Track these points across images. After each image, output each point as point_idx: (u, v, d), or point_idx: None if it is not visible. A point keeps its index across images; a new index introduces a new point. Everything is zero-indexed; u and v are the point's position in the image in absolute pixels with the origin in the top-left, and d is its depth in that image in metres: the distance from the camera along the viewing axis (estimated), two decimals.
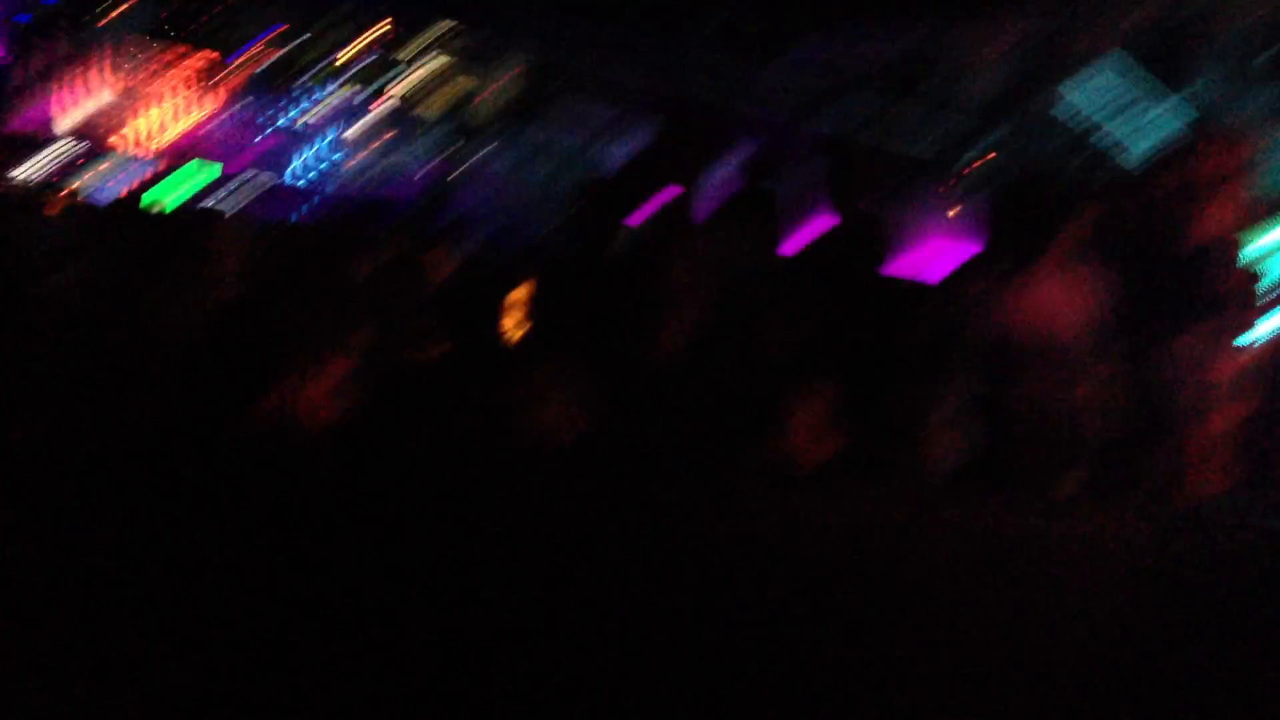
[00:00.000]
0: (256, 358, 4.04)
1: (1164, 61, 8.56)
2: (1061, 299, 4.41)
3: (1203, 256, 4.59)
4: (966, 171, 12.35)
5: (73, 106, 11.73)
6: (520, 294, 4.81)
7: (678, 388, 4.34)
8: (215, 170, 11.86)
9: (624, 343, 4.44)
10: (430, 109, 13.43)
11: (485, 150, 13.63)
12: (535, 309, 4.78)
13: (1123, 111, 10.39)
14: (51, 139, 11.12)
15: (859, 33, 9.91)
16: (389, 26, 13.23)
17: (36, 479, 3.72)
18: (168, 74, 12.32)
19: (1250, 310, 4.94)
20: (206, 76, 12.51)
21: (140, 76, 12.19)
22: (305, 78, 12.92)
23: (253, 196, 11.42)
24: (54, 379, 4.14)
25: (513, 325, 4.76)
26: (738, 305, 4.48)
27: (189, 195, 11.05)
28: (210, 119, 12.50)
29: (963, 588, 3.56)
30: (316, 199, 11.82)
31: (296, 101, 12.91)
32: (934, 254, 5.29)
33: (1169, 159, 5.09)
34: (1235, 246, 4.69)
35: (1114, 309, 4.44)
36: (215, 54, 12.48)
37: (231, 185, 11.46)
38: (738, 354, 4.43)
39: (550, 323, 4.72)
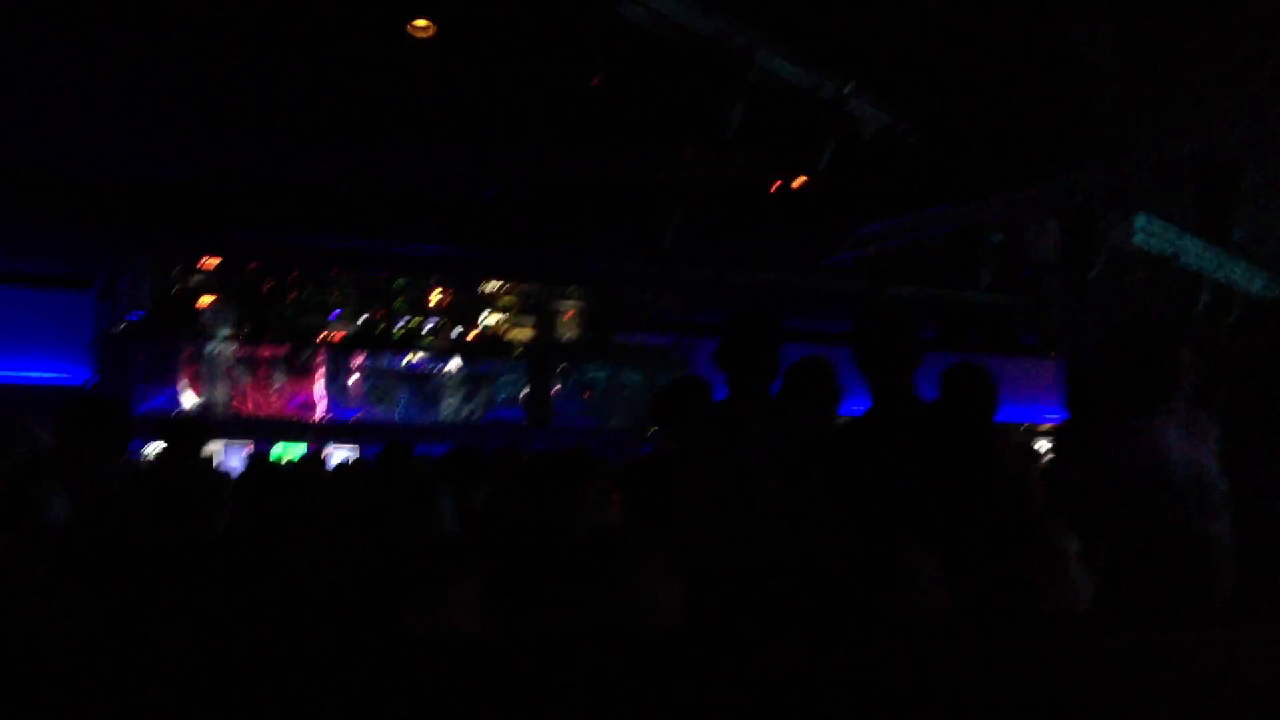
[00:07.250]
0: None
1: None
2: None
3: None
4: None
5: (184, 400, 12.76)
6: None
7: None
8: (301, 449, 12.46)
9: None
10: (500, 355, 14.29)
11: (560, 386, 14.37)
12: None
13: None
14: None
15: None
16: (444, 293, 14.24)
17: None
18: (257, 366, 13.27)
19: None
20: (292, 362, 13.44)
21: (233, 371, 13.14)
22: (377, 347, 13.83)
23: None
24: None
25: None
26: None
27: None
28: (301, 398, 13.32)
29: None
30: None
31: (377, 371, 13.80)
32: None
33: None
34: None
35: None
36: (290, 343, 13.49)
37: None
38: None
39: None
